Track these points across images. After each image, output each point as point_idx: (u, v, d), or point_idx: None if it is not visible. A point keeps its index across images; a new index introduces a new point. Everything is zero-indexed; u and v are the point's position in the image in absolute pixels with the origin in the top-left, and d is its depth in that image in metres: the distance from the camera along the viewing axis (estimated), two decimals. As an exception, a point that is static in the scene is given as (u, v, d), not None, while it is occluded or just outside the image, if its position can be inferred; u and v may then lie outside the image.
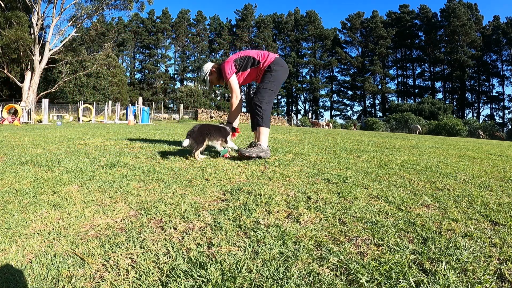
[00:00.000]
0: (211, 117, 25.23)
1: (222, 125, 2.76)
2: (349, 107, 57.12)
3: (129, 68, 54.91)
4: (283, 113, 54.09)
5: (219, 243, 1.03)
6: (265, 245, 1.01)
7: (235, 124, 2.90)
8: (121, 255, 0.95)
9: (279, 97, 55.25)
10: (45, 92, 22.26)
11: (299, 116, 48.64)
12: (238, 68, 2.82)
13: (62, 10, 21.29)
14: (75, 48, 22.89)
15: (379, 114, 51.51)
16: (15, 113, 12.95)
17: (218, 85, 3.10)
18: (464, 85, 48.08)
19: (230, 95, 2.85)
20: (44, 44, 20.66)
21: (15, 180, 1.80)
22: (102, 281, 0.83)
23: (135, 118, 14.80)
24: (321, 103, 57.03)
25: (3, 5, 20.22)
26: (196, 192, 1.61)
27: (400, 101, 49.81)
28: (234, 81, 2.79)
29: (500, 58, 46.97)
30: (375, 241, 1.06)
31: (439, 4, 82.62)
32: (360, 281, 0.82)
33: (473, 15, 47.56)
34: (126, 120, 15.30)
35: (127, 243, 1.02)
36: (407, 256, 0.95)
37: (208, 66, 2.93)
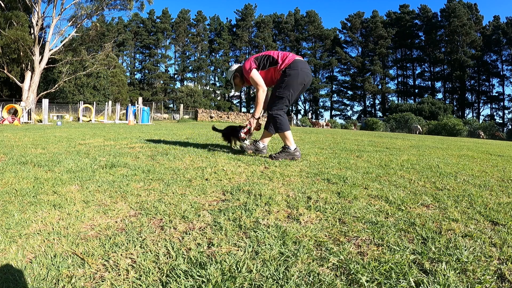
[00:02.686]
0: (211, 117, 25.19)
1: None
2: (349, 107, 57.13)
3: (129, 68, 54.96)
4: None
5: (219, 243, 1.03)
6: (265, 245, 1.01)
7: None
8: (121, 255, 0.95)
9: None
10: (45, 92, 22.26)
11: (299, 116, 48.71)
12: (258, 65, 2.79)
13: (62, 10, 21.28)
14: (75, 48, 22.87)
15: (379, 114, 51.46)
16: (15, 113, 12.96)
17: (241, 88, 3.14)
18: (464, 85, 48.04)
19: (255, 91, 2.84)
20: (44, 44, 20.64)
21: (15, 180, 1.80)
22: (102, 281, 0.83)
23: (135, 118, 14.80)
24: (321, 103, 57.05)
25: (3, 5, 20.21)
26: (196, 192, 1.61)
27: (400, 101, 49.75)
28: (256, 75, 2.77)
29: (500, 58, 46.93)
30: (375, 241, 1.06)
31: (439, 4, 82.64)
32: (360, 281, 0.82)
33: (473, 15, 47.53)
34: (126, 120, 15.30)
35: (127, 243, 1.02)
36: (407, 256, 0.95)
37: (232, 69, 2.97)
